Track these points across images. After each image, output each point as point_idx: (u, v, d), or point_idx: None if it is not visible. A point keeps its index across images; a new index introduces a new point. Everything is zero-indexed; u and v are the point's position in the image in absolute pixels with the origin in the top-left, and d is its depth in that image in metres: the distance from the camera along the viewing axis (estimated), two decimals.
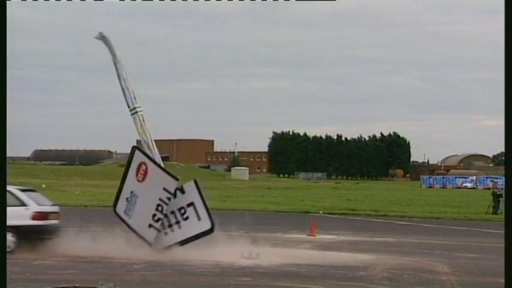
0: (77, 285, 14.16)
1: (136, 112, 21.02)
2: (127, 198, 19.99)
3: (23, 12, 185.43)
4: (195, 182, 19.93)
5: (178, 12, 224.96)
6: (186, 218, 19.72)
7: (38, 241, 19.73)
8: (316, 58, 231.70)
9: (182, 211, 19.69)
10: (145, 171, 19.76)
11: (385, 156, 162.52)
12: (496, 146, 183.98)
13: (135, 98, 21.01)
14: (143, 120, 21.07)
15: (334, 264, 19.08)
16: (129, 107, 21.06)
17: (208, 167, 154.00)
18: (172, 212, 19.73)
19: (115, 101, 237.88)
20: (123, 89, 21.06)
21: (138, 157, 20.03)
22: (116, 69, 21.17)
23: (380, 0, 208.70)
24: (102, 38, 21.18)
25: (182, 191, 19.90)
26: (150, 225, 19.70)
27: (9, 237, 18.65)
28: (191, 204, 19.68)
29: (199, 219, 19.67)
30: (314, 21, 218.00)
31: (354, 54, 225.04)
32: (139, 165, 19.86)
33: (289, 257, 20.15)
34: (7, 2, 12.41)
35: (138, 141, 22.12)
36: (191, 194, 19.74)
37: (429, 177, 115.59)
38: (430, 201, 57.05)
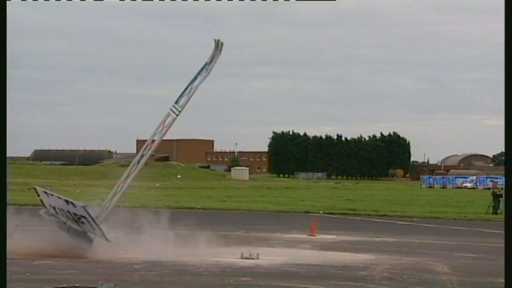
0: (77, 285, 14.17)
1: (176, 114, 20.96)
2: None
3: (23, 12, 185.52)
4: (84, 207, 19.85)
5: (178, 12, 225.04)
6: (82, 223, 19.69)
7: None
8: (316, 58, 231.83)
9: (76, 217, 19.69)
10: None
11: (385, 156, 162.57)
12: (496, 146, 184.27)
13: (186, 103, 20.95)
14: (171, 124, 21.10)
15: (334, 264, 19.08)
16: (176, 103, 20.96)
17: (208, 167, 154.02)
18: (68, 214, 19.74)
19: (115, 101, 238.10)
20: (188, 88, 20.96)
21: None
22: (200, 70, 21.03)
23: (380, 0, 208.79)
24: (218, 44, 21.14)
25: (74, 205, 19.93)
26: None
27: None
28: (83, 217, 19.66)
29: (93, 228, 19.65)
30: (314, 21, 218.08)
31: (354, 54, 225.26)
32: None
33: (289, 257, 20.17)
34: (7, 2, 12.40)
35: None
36: (81, 211, 19.74)
37: (429, 177, 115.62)
38: (430, 201, 57.07)
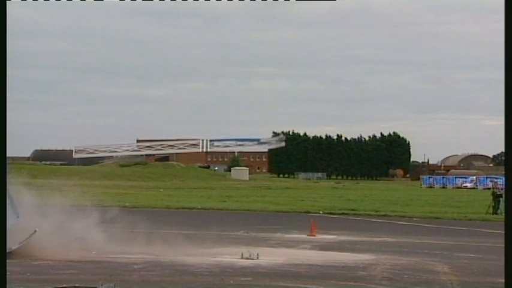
0: (77, 285, 14.17)
1: (200, 149, 21.11)
2: None
3: (23, 12, 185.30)
4: None
5: (178, 12, 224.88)
6: None
7: None
8: (316, 58, 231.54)
9: None
10: None
11: (385, 156, 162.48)
12: (496, 146, 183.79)
13: (216, 151, 21.29)
14: (190, 151, 21.27)
15: (334, 264, 19.09)
16: (211, 141, 21.14)
17: (208, 167, 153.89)
18: None
19: (115, 101, 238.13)
20: (229, 142, 21.24)
21: None
22: (251, 140, 21.56)
23: (380, 0, 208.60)
24: (282, 139, 21.50)
25: None
26: None
27: None
28: None
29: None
30: (314, 21, 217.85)
31: (354, 54, 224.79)
32: None
33: (289, 257, 20.18)
34: (7, 2, 12.40)
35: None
36: None
37: (429, 177, 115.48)
38: (430, 201, 57.06)
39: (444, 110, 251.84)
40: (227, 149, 21.02)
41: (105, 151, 21.14)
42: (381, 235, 28.65)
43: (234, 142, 21.08)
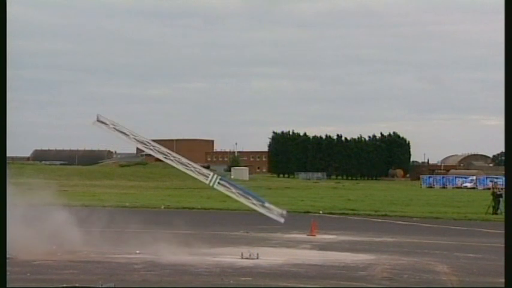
0: (77, 285, 14.19)
1: (207, 179, 21.03)
2: None
3: (23, 12, 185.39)
4: None
5: (178, 12, 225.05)
6: None
7: None
8: (316, 58, 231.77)
9: None
10: None
11: (385, 156, 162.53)
12: (496, 146, 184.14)
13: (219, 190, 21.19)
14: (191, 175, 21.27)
15: (334, 264, 19.10)
16: (220, 177, 21.19)
17: (208, 167, 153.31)
18: None
19: (115, 101, 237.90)
20: (233, 188, 21.27)
21: None
22: (255, 199, 21.54)
23: (380, 0, 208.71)
24: (283, 215, 21.44)
25: None
26: None
27: None
28: None
29: None
30: (314, 21, 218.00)
31: (354, 54, 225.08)
32: None
33: (289, 257, 20.19)
34: (7, 1, 12.40)
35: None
36: None
37: (429, 177, 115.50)
38: (430, 201, 57.06)
39: (444, 110, 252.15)
40: (229, 194, 21.00)
41: (125, 134, 20.90)
42: (381, 235, 28.65)
43: (240, 191, 21.18)
